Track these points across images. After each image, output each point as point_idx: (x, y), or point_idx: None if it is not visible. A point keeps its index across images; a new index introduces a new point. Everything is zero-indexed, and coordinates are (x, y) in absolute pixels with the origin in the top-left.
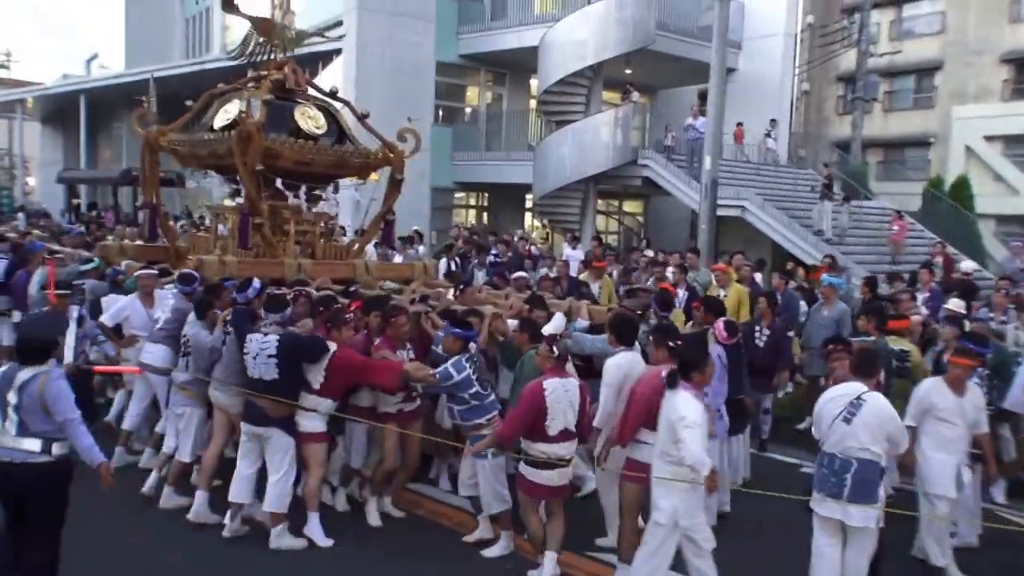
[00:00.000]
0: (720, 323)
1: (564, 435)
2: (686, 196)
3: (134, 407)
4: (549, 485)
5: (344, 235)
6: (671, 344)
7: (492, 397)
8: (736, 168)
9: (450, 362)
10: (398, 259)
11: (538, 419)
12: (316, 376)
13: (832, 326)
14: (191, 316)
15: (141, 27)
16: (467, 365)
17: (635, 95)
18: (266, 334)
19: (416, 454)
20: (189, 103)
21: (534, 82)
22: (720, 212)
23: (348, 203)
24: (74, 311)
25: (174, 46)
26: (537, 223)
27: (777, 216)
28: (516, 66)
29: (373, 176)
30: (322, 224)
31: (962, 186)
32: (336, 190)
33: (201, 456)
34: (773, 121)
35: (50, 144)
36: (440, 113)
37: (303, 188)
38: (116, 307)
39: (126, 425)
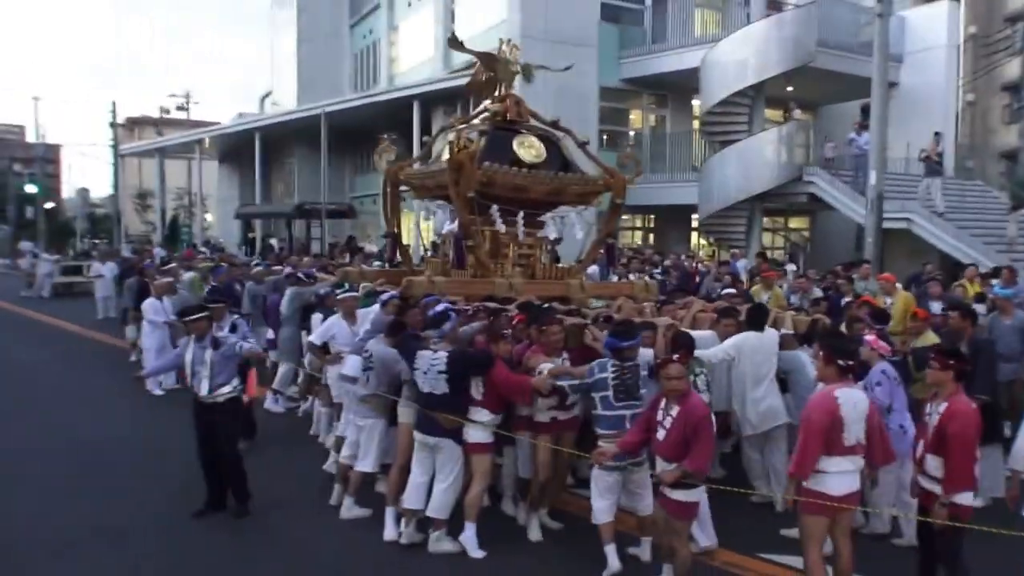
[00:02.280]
0: (873, 336)
1: None
2: (852, 211)
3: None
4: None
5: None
6: (842, 363)
7: (626, 414)
8: (902, 181)
9: (597, 361)
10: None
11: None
12: (478, 388)
13: (1017, 335)
14: (380, 333)
15: (312, 64)
16: (611, 369)
17: (797, 112)
18: (435, 350)
19: (567, 464)
20: (426, 138)
21: (696, 103)
22: (886, 225)
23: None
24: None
25: (343, 80)
26: (703, 241)
27: (944, 227)
28: (677, 88)
29: (597, 200)
30: (544, 247)
31: None
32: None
33: (385, 467)
34: (938, 134)
35: (226, 182)
36: (604, 137)
37: (520, 214)
38: (323, 327)
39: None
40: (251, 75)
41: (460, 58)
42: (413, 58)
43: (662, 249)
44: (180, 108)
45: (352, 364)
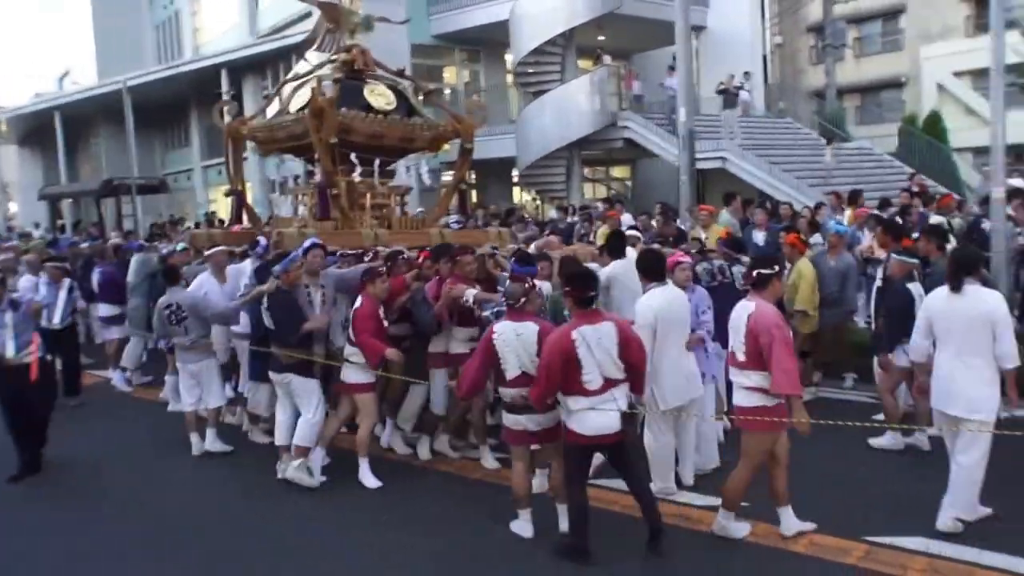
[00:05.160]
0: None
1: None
2: (665, 152)
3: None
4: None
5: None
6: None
7: None
8: (714, 122)
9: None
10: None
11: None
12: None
13: (837, 279)
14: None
15: (110, 39)
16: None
17: (607, 58)
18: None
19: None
20: (265, 94)
21: (509, 57)
22: (701, 165)
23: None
24: (66, 282)
25: (146, 54)
26: (526, 196)
27: (758, 164)
28: (489, 42)
29: (444, 147)
30: (397, 198)
31: (935, 121)
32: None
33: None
34: (746, 73)
35: (29, 166)
36: (421, 96)
37: (376, 163)
38: (194, 284)
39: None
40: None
41: (266, 23)
42: (218, 27)
43: (484, 204)
44: None
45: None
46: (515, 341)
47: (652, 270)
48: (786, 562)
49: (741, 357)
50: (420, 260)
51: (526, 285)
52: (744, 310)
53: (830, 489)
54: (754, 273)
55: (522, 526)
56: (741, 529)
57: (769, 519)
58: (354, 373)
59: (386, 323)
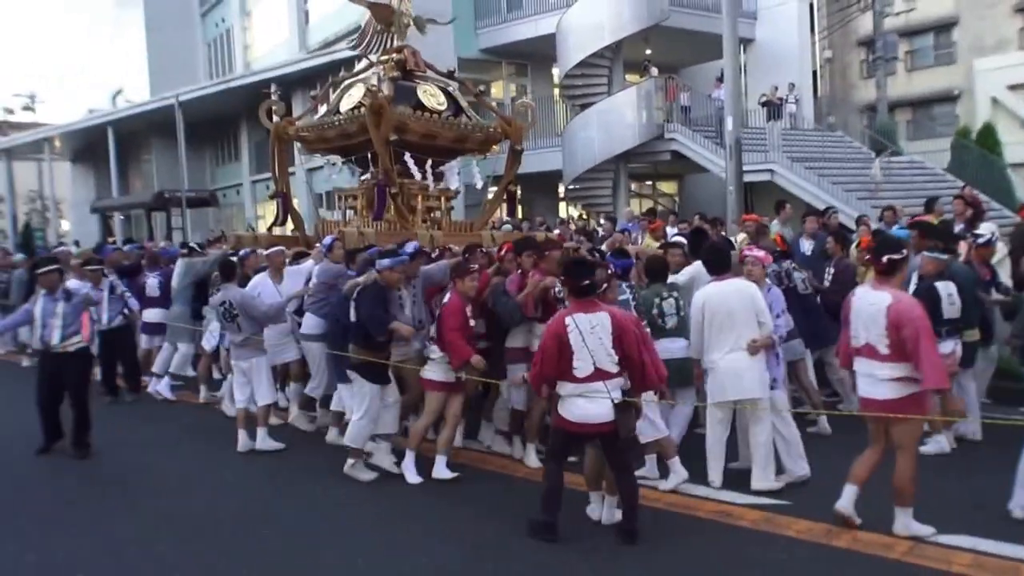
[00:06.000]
0: None
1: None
2: (712, 164)
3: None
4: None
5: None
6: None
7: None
8: (762, 134)
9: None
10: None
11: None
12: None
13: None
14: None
15: (163, 56)
16: (627, 290)
17: (654, 70)
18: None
19: None
20: (313, 94)
21: (556, 70)
22: (748, 177)
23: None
24: (107, 282)
25: (198, 71)
26: (572, 210)
27: (807, 176)
28: (537, 55)
29: (494, 148)
30: (446, 200)
31: (988, 133)
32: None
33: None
34: (792, 85)
35: (82, 183)
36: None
37: (429, 164)
38: (250, 285)
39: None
40: (100, 73)
41: (316, 38)
42: (268, 42)
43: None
44: (26, 108)
45: (310, 323)
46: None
47: (713, 262)
48: (830, 558)
49: (884, 351)
50: (502, 254)
51: (608, 271)
52: (880, 300)
53: (874, 485)
54: (884, 259)
55: (593, 509)
56: (925, 529)
57: (812, 516)
58: (433, 371)
59: (472, 321)
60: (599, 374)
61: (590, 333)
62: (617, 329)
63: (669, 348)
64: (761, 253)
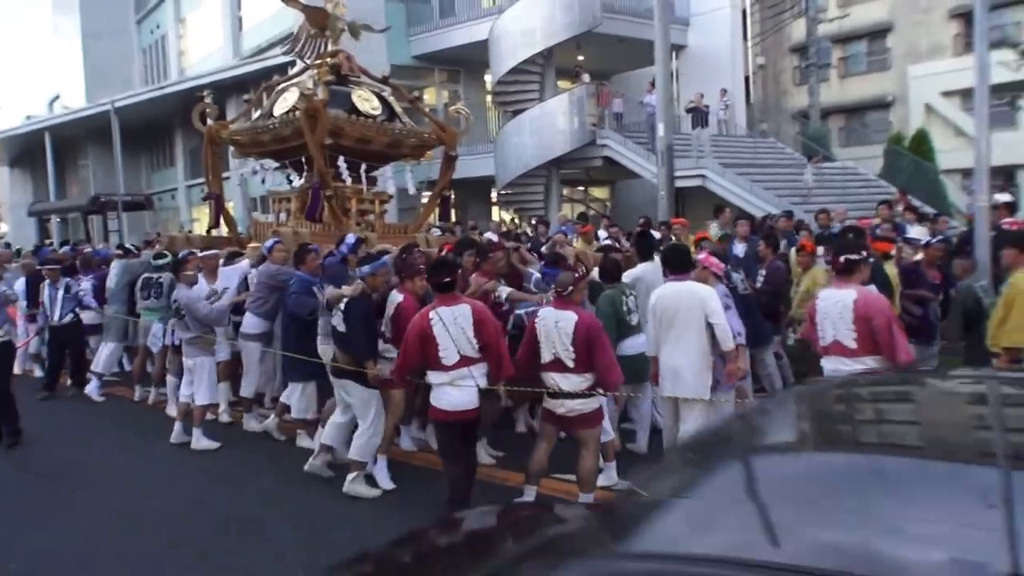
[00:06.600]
0: None
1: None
2: (644, 169)
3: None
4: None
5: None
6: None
7: None
8: (693, 140)
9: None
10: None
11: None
12: (387, 325)
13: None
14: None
15: (99, 63)
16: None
17: (586, 77)
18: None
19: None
20: (246, 97)
21: (488, 77)
22: (680, 183)
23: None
24: (63, 281)
25: (134, 77)
26: (504, 215)
27: (738, 181)
28: (469, 62)
29: (428, 154)
30: (380, 203)
31: (921, 140)
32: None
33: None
34: (724, 91)
35: (20, 187)
36: None
37: (363, 168)
38: (199, 284)
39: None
40: (36, 80)
41: (250, 44)
42: (203, 49)
43: (463, 222)
44: None
45: (250, 322)
46: (553, 328)
47: (672, 262)
48: None
49: (852, 344)
50: (441, 254)
51: (576, 275)
52: (845, 296)
53: None
54: (842, 259)
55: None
56: None
57: None
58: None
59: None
60: (464, 361)
61: (453, 323)
62: (477, 319)
63: (634, 344)
64: (714, 260)
